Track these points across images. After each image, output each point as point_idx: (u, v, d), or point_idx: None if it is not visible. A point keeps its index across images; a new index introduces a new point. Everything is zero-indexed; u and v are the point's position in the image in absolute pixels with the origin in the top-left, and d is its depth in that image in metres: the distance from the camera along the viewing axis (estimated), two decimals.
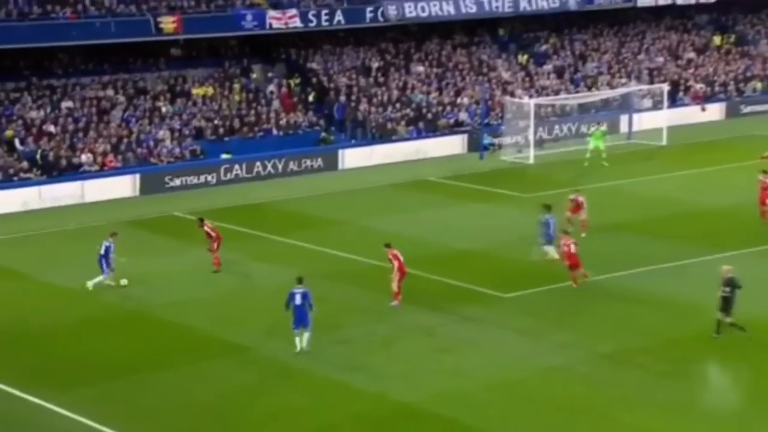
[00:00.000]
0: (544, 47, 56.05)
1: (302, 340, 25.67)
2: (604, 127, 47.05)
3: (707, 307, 28.36)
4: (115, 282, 30.40)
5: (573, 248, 29.70)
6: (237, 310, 29.15)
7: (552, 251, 31.51)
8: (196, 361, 25.82)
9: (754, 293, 29.60)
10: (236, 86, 48.24)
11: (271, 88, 48.80)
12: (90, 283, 30.14)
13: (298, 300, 25.48)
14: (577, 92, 52.48)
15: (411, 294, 29.15)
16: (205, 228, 32.24)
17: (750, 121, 53.53)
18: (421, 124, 48.82)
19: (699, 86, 55.68)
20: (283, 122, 47.34)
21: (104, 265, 30.20)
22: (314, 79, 50.20)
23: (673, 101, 53.78)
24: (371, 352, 26.18)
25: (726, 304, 25.99)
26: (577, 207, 34.31)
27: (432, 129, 48.84)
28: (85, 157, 42.55)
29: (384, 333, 27.18)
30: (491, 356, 25.80)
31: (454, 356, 25.86)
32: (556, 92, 52.43)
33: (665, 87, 52.07)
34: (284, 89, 49.04)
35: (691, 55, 58.30)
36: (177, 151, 44.32)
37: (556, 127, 50.39)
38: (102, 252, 30.22)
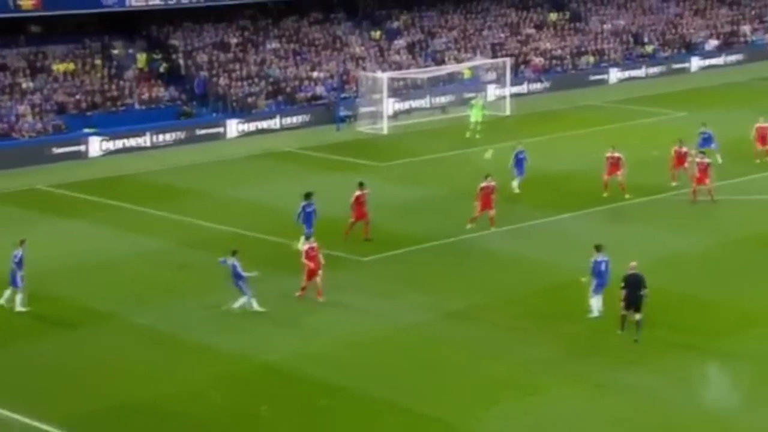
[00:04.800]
0: (395, 24, 56.06)
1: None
2: (482, 98, 46.64)
3: (551, 265, 28.98)
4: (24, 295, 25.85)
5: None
6: (103, 280, 28.26)
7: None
8: (62, 331, 24.97)
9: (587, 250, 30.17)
10: (97, 62, 46.71)
11: (132, 63, 47.42)
12: (2, 300, 25.85)
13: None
14: (427, 66, 52.67)
15: (272, 260, 28.82)
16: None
17: (584, 93, 54.70)
18: (279, 98, 48.27)
19: (538, 60, 56.66)
20: (144, 97, 46.11)
21: (17, 278, 25.70)
22: (174, 55, 49.03)
23: (515, 74, 54.56)
24: (235, 316, 25.80)
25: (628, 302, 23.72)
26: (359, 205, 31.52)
27: (290, 102, 48.34)
28: None
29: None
30: (350, 317, 25.78)
31: (314, 318, 25.75)
32: (408, 67, 52.50)
33: (508, 61, 52.77)
34: (145, 65, 47.74)
35: (531, 30, 59.24)
36: (39, 126, 42.66)
37: (408, 100, 50.52)
38: (16, 261, 25.71)
